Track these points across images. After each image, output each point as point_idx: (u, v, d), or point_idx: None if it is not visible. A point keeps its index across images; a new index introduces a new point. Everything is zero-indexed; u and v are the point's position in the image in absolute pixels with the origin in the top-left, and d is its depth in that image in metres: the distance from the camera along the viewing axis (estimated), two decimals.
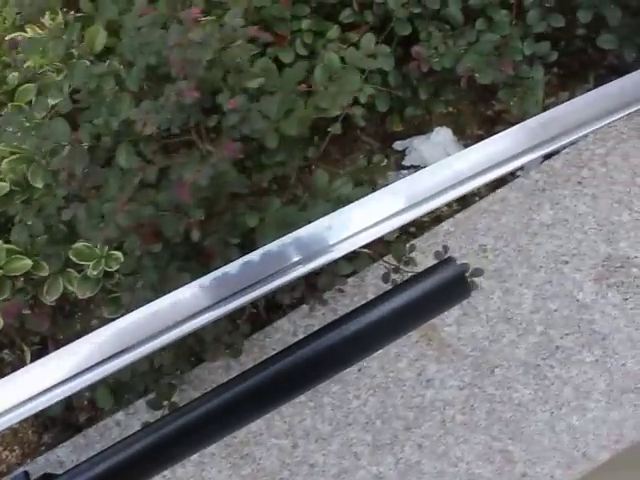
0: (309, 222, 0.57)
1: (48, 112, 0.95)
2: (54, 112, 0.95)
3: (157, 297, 0.54)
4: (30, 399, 0.54)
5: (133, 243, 0.91)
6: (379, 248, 1.07)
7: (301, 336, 0.54)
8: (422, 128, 1.42)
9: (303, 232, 0.56)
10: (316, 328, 0.55)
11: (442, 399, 1.03)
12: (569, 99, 1.45)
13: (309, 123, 0.99)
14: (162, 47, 0.87)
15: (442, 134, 1.38)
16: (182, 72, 0.79)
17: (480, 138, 1.42)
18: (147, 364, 1.02)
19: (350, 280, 1.13)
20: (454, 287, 0.73)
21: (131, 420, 1.13)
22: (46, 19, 1.09)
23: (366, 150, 1.43)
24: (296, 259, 0.53)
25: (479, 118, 1.43)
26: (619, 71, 1.17)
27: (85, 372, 0.54)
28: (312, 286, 1.05)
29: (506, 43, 1.21)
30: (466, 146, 1.40)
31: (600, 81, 1.35)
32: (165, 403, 1.07)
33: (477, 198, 1.20)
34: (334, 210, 0.62)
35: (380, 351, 1.02)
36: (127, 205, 0.80)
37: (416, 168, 1.39)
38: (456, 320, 1.07)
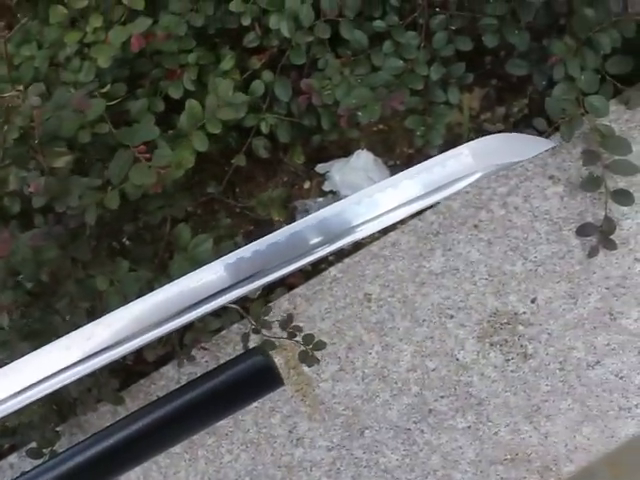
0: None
1: None
2: None
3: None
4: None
5: None
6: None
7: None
8: (349, 147, 1.35)
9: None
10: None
11: (310, 459, 0.99)
12: (505, 114, 1.34)
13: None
14: None
15: (362, 157, 1.30)
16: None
17: (410, 158, 1.34)
18: (16, 419, 1.02)
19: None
20: (262, 378, 0.69)
21: (23, 463, 1.14)
22: None
23: (290, 172, 1.37)
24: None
25: (410, 136, 1.34)
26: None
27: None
28: (180, 341, 1.02)
29: (411, 69, 1.12)
30: (393, 167, 1.33)
31: (538, 96, 1.24)
32: (46, 451, 1.07)
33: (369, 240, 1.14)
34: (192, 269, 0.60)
35: (254, 405, 0.99)
36: None
37: (334, 194, 1.32)
38: (332, 375, 1.02)
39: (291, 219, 1.31)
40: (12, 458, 1.14)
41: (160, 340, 1.01)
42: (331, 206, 0.57)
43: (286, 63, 1.18)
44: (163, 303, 0.58)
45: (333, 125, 1.19)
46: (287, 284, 1.15)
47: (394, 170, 1.31)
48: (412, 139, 1.32)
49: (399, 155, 1.35)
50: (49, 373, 0.60)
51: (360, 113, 1.05)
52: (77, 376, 0.59)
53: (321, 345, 0.87)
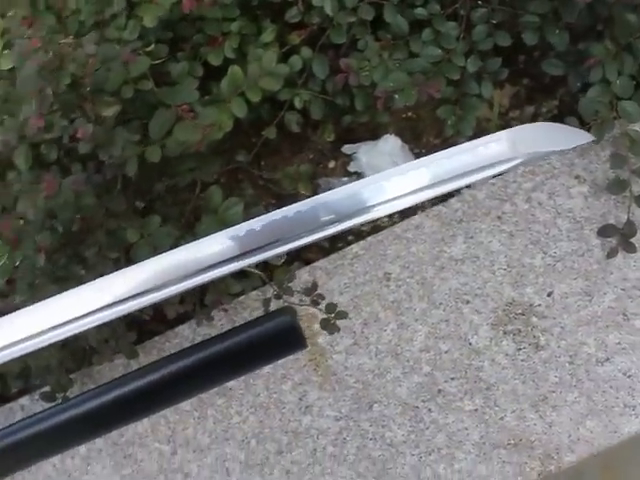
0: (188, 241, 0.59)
1: None
2: None
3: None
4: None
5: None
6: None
7: None
8: (377, 131, 1.36)
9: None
10: None
11: (317, 428, 1.01)
12: (534, 113, 1.35)
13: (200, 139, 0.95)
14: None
15: (390, 142, 1.32)
16: (35, 98, 0.77)
17: (434, 148, 1.35)
18: (35, 361, 1.04)
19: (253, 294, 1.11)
20: (286, 338, 0.72)
21: (35, 405, 1.16)
22: None
23: (317, 150, 1.39)
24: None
25: (438, 127, 1.35)
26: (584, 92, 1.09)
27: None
28: (200, 301, 1.04)
29: (449, 59, 1.14)
30: (419, 155, 1.34)
31: (569, 98, 1.26)
32: (59, 396, 1.09)
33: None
34: (222, 229, 0.62)
35: (266, 370, 1.01)
36: None
37: (359, 175, 1.34)
38: (346, 349, 1.04)
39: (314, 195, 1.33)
40: (24, 400, 1.16)
41: (181, 298, 1.03)
42: (339, 189, 0.60)
43: (325, 42, 1.19)
44: (181, 263, 0.61)
45: (366, 106, 1.21)
46: (304, 259, 1.17)
47: (419, 158, 1.33)
48: (439, 129, 1.34)
49: (425, 144, 1.37)
50: (69, 318, 0.62)
51: (397, 96, 1.07)
52: (95, 323, 0.62)
53: (343, 314, 0.90)
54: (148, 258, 0.61)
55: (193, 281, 0.62)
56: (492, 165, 0.63)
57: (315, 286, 0.93)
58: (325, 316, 0.90)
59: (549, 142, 0.68)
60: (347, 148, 1.35)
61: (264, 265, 1.05)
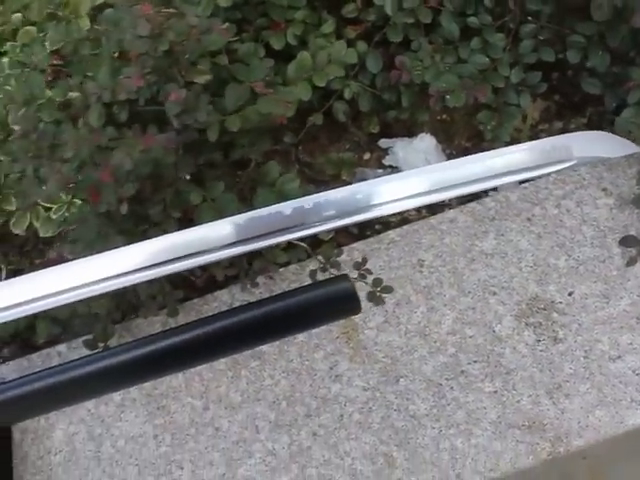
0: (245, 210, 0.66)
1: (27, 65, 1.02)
2: (33, 65, 1.02)
3: (91, 252, 0.65)
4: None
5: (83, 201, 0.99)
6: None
7: None
8: (413, 129, 1.45)
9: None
10: None
11: (345, 396, 1.10)
12: (561, 129, 1.44)
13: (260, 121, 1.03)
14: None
15: (426, 141, 1.41)
16: (135, 60, 0.84)
17: (465, 150, 1.44)
18: (86, 308, 1.11)
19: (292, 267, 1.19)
20: (343, 302, 0.80)
21: (71, 353, 1.23)
22: None
23: (353, 141, 1.47)
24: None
25: (470, 130, 1.44)
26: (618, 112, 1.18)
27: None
28: (249, 267, 1.12)
29: (494, 68, 1.22)
30: (450, 156, 1.43)
31: (597, 118, 1.35)
32: (101, 345, 1.16)
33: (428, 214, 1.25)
34: (278, 202, 0.70)
35: (300, 338, 1.09)
36: (58, 175, 0.87)
37: (394, 169, 1.42)
38: (377, 326, 1.13)
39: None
40: (61, 347, 1.23)
41: (230, 263, 1.11)
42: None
43: (378, 39, 1.28)
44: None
45: (411, 104, 1.30)
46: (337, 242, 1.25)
47: (450, 158, 1.42)
48: (471, 133, 1.43)
49: (457, 146, 1.45)
50: (120, 272, 0.70)
51: (448, 97, 1.15)
52: (143, 279, 0.69)
53: (388, 289, 0.98)
54: (210, 220, 0.69)
55: (201, 259, 0.68)
56: (548, 165, 0.72)
57: (365, 261, 1.01)
58: (372, 289, 0.98)
59: (601, 149, 0.77)
60: (383, 142, 1.43)
61: (310, 240, 1.13)
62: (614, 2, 1.03)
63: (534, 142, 0.75)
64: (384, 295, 0.99)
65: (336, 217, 0.66)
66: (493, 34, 1.22)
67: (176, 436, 1.13)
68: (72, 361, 0.77)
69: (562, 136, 0.74)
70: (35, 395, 0.79)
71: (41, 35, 1.04)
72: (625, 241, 1.10)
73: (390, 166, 1.41)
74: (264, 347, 1.15)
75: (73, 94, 1.01)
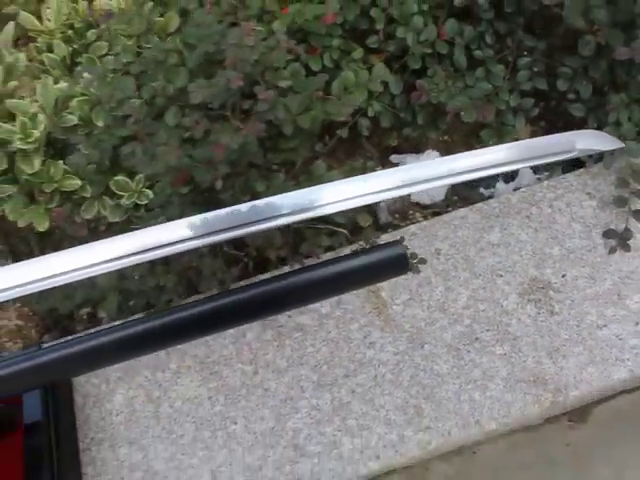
0: None
1: (119, 70, 1.24)
2: (125, 70, 1.24)
3: None
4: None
5: (166, 183, 1.20)
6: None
7: None
8: (420, 147, 1.70)
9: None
10: None
11: (378, 359, 1.31)
12: None
13: (320, 123, 1.27)
14: (220, 39, 1.17)
15: (432, 157, 1.66)
16: (233, 64, 1.07)
17: None
18: (154, 282, 1.30)
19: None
20: (396, 263, 1.03)
21: None
22: None
23: (366, 157, 1.72)
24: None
25: (467, 149, 1.71)
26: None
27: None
28: (296, 250, 1.34)
29: (496, 93, 1.49)
30: None
31: None
32: None
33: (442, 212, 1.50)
34: None
35: (337, 313, 1.30)
36: (176, 151, 1.08)
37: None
38: (403, 302, 1.35)
39: None
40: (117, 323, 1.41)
41: (280, 245, 1.32)
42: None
43: (397, 66, 1.54)
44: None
45: (425, 122, 1.55)
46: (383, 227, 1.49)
47: None
48: (464, 143, 1.69)
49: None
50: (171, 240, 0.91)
51: (463, 113, 1.41)
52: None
53: (423, 261, 1.21)
54: None
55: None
56: (555, 155, 0.98)
57: (402, 239, 1.24)
58: (410, 261, 1.21)
59: (596, 144, 1.04)
60: (394, 157, 1.68)
61: (352, 227, 1.36)
62: (598, 40, 1.32)
63: (547, 137, 1.01)
64: (420, 266, 1.22)
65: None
66: (495, 65, 1.49)
67: (229, 397, 1.32)
68: (130, 321, 0.98)
69: (567, 133, 1.01)
70: (97, 350, 1.00)
71: (129, 43, 1.26)
72: (607, 234, 1.36)
73: None
74: (305, 320, 1.36)
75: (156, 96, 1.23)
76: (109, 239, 0.87)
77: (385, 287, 1.36)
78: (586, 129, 1.39)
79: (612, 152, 1.39)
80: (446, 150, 1.71)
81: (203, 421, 1.30)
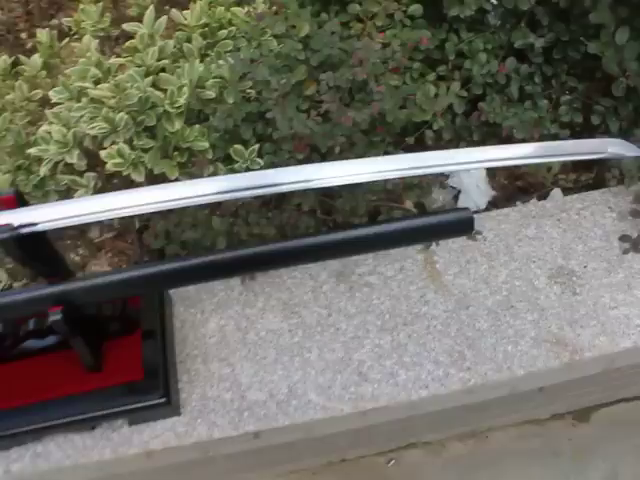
0: None
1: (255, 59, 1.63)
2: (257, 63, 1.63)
3: None
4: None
5: (285, 150, 1.57)
6: None
7: None
8: None
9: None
10: None
11: (431, 314, 1.65)
12: (575, 179, 2.11)
13: (406, 121, 1.65)
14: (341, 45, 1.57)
15: (478, 172, 2.04)
16: (359, 62, 1.46)
17: (503, 188, 2.08)
18: (258, 230, 1.65)
19: None
20: (463, 223, 1.38)
21: None
22: (258, 3, 1.80)
23: None
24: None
25: (503, 171, 2.09)
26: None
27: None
28: (374, 219, 1.70)
29: (541, 121, 1.89)
30: (492, 188, 2.06)
31: (602, 172, 2.00)
32: None
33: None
34: None
35: (399, 276, 1.65)
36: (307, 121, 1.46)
37: (454, 189, 2.04)
38: (454, 273, 1.71)
39: None
40: None
41: (352, 212, 1.68)
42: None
43: (457, 91, 1.93)
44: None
45: (481, 138, 1.94)
46: None
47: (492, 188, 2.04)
48: (506, 174, 2.08)
49: (496, 182, 2.09)
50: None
51: (516, 130, 1.80)
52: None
53: (480, 232, 1.57)
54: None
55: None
56: (590, 154, 1.36)
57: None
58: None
59: (623, 150, 1.41)
60: (452, 181, 2.05)
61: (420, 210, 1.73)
62: (628, 83, 1.72)
63: (586, 140, 1.39)
64: (477, 236, 1.58)
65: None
66: (541, 99, 1.89)
67: (306, 331, 1.65)
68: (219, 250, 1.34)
69: (602, 139, 1.39)
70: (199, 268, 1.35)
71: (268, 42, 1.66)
72: (622, 238, 1.73)
73: (452, 187, 2.03)
74: (372, 279, 1.71)
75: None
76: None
77: (439, 261, 1.72)
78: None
79: (632, 175, 1.78)
80: (489, 170, 2.09)
81: (283, 348, 1.63)
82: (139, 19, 1.83)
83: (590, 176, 2.05)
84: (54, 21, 2.47)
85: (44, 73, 1.92)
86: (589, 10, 1.70)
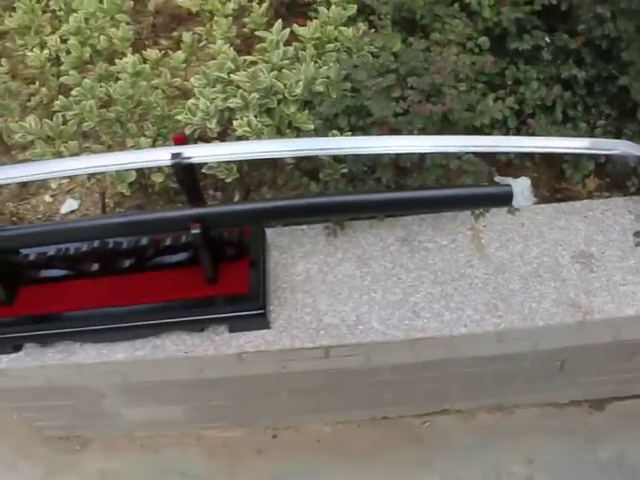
0: None
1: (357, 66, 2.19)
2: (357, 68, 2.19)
3: None
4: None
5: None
6: None
7: None
8: (515, 174, 2.58)
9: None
10: None
11: (474, 275, 2.14)
12: (608, 196, 2.65)
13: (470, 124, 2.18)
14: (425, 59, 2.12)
15: (525, 182, 2.53)
16: (438, 71, 2.01)
17: (544, 197, 2.56)
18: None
19: None
20: (504, 196, 1.91)
21: None
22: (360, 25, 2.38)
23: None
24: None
25: (547, 185, 2.59)
26: None
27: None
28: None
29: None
30: (534, 196, 2.55)
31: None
32: None
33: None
34: None
35: (450, 247, 2.16)
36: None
37: None
38: (495, 247, 2.20)
39: None
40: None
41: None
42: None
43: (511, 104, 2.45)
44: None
45: (525, 153, 2.45)
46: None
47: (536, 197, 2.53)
48: (548, 187, 2.57)
49: (538, 193, 2.58)
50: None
51: None
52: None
53: (518, 209, 2.07)
54: None
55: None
56: (603, 150, 1.87)
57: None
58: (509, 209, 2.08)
59: (632, 149, 1.91)
60: (498, 178, 2.56)
61: None
62: None
63: (600, 139, 1.90)
64: (515, 211, 2.08)
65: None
66: (581, 122, 2.40)
67: (374, 278, 2.16)
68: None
69: (614, 140, 1.89)
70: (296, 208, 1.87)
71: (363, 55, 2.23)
72: (636, 234, 2.21)
73: None
74: (429, 245, 2.21)
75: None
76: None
77: (485, 237, 2.22)
78: None
79: None
80: (534, 181, 2.58)
81: (355, 288, 2.14)
82: (255, 30, 2.44)
83: (620, 196, 2.52)
84: (174, 33, 3.10)
85: (183, 66, 2.53)
86: (624, 50, 2.22)
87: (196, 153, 1.81)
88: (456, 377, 2.37)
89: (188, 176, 1.83)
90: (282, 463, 2.61)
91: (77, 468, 2.67)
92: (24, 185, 2.73)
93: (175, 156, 1.75)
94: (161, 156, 1.78)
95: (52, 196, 2.72)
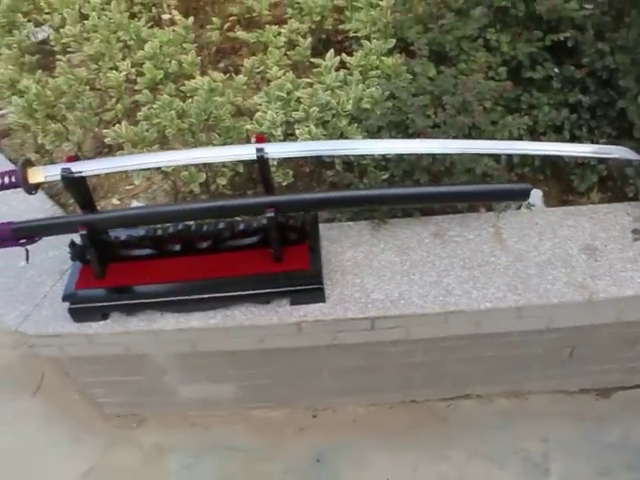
0: None
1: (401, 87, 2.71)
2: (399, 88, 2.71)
3: None
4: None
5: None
6: None
7: None
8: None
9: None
10: None
11: (497, 262, 2.60)
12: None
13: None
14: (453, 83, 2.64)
15: (537, 193, 3.03)
16: (466, 89, 2.52)
17: (550, 205, 3.06)
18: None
19: None
20: (522, 192, 2.43)
21: None
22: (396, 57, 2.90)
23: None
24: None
25: (556, 197, 3.09)
26: None
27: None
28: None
29: None
30: (545, 207, 3.05)
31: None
32: None
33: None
34: None
35: (475, 240, 2.66)
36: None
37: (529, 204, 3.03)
38: (514, 241, 2.67)
39: None
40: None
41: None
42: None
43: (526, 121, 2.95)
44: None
45: (538, 166, 2.96)
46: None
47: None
48: (557, 199, 3.06)
49: (547, 201, 3.08)
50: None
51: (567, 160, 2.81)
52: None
53: (533, 205, 2.56)
54: None
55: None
56: (600, 154, 2.38)
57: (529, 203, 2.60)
58: (526, 205, 2.56)
59: (626, 154, 2.42)
60: None
61: None
62: None
63: (596, 145, 2.42)
64: (531, 207, 2.57)
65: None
66: (585, 141, 2.91)
67: (412, 264, 2.62)
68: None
69: (611, 146, 2.41)
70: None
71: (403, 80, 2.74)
72: (634, 231, 2.69)
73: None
74: (458, 239, 2.69)
75: None
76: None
77: (505, 233, 2.70)
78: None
79: None
80: (545, 193, 3.08)
81: (396, 272, 2.60)
82: (300, 60, 2.98)
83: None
84: (220, 64, 3.62)
85: (244, 87, 3.05)
86: (621, 79, 2.76)
87: (274, 149, 2.30)
88: (478, 361, 2.82)
89: (267, 169, 2.32)
90: (321, 440, 3.02)
91: (135, 442, 3.07)
92: (94, 189, 3.20)
93: (259, 150, 2.23)
94: (248, 151, 2.26)
95: (119, 199, 3.19)
